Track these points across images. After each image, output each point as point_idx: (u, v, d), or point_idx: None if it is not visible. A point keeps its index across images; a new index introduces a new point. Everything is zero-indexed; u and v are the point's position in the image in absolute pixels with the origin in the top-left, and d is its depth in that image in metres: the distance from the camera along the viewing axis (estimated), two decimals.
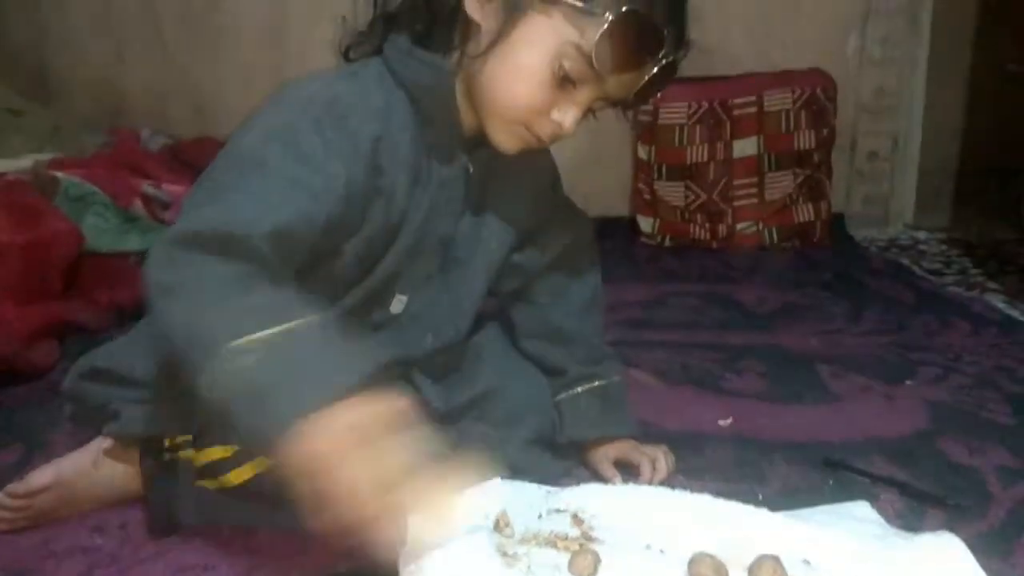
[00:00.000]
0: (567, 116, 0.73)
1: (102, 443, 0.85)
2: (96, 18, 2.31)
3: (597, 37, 0.68)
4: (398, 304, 0.82)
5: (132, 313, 1.47)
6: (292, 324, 0.60)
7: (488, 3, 0.73)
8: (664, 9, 0.71)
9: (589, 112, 0.76)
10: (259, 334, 0.59)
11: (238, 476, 0.79)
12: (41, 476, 0.82)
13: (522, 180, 0.86)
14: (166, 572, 0.74)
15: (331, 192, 0.70)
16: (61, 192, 1.47)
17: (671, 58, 0.73)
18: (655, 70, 0.72)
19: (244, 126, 0.73)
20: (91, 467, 0.84)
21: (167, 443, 0.81)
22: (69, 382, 0.86)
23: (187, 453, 0.81)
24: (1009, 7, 2.18)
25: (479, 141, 0.79)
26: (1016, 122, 1.71)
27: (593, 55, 0.69)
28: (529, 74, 0.72)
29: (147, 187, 1.58)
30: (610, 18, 0.68)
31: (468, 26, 0.74)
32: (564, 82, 0.72)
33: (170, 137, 2.23)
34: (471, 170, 0.81)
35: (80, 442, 0.92)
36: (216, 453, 0.80)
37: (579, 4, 0.69)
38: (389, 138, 0.74)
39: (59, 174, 1.50)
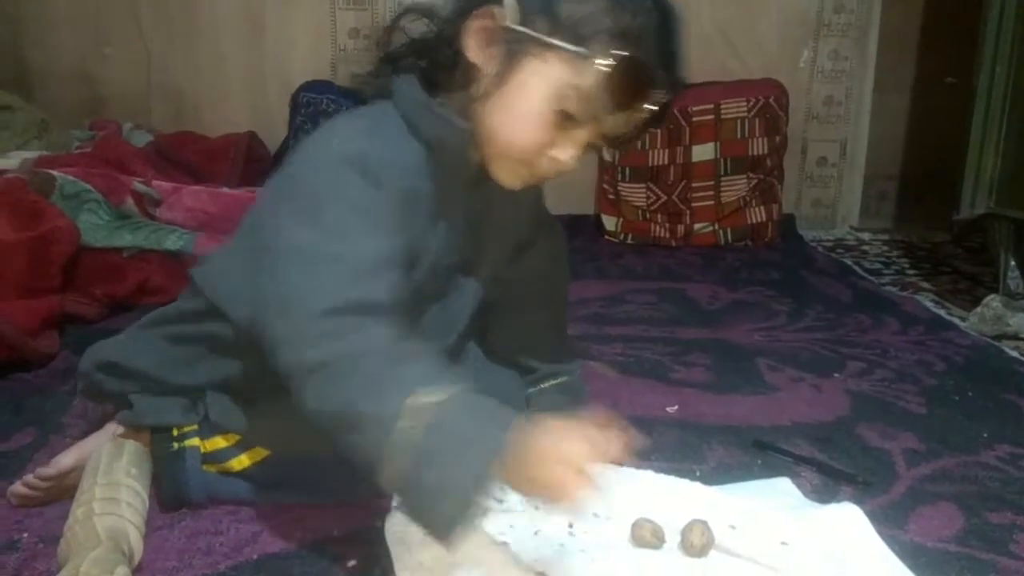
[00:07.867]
0: (566, 153, 0.77)
1: (116, 428, 0.93)
2: (74, 10, 2.35)
3: (595, 79, 0.73)
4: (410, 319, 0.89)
5: (123, 304, 1.56)
6: (446, 396, 0.65)
7: (488, 48, 0.76)
8: (654, 54, 0.74)
9: (590, 149, 0.79)
10: (420, 403, 0.64)
11: (239, 463, 0.88)
12: (66, 458, 0.90)
13: (513, 201, 0.90)
14: (181, 537, 0.83)
15: (400, 238, 0.77)
16: (57, 190, 1.54)
17: (665, 99, 0.76)
18: (651, 109, 0.76)
19: (285, 185, 0.79)
20: None
21: (175, 432, 0.89)
22: (84, 369, 0.95)
23: (193, 441, 0.88)
24: (948, 26, 2.34)
25: (482, 176, 0.83)
26: (953, 132, 1.86)
27: (590, 95, 0.73)
28: (529, 115, 0.75)
29: (137, 184, 1.66)
30: (605, 61, 0.72)
31: (470, 70, 0.78)
32: (563, 122, 0.75)
33: (150, 131, 2.29)
34: (475, 205, 0.88)
35: (88, 424, 1.01)
36: (219, 442, 0.88)
37: (574, 48, 0.72)
38: (415, 190, 0.80)
39: (55, 173, 1.56)
